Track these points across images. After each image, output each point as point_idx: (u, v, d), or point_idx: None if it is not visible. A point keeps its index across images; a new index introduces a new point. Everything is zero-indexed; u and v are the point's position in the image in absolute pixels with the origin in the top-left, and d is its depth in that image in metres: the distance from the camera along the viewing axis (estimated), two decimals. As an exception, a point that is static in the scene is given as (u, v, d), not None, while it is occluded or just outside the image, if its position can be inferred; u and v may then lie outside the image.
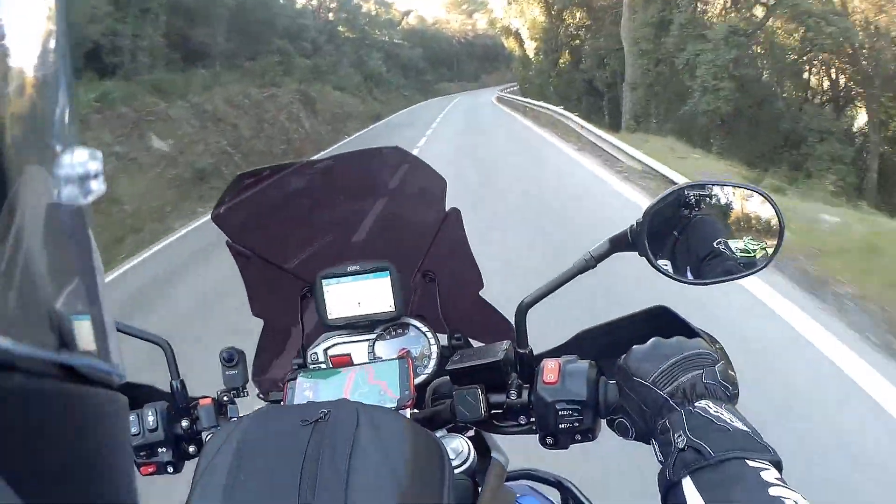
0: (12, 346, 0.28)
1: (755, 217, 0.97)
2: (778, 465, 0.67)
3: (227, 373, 1.11)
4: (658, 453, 0.75)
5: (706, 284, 0.97)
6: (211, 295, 6.05)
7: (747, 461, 0.66)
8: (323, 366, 1.14)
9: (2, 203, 0.29)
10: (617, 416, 0.86)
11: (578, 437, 0.90)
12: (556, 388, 0.88)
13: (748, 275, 0.95)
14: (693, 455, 0.68)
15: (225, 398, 1.09)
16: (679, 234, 0.97)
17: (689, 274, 0.97)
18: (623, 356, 0.86)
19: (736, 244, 0.96)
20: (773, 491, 0.62)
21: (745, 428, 0.70)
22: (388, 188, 1.28)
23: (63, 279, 0.35)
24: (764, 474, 0.64)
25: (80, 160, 0.36)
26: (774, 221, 0.95)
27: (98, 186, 0.37)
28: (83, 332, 0.36)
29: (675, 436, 0.71)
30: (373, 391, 1.00)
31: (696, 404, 0.74)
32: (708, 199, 0.97)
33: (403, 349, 1.14)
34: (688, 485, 0.67)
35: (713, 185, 0.98)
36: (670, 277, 0.95)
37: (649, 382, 0.79)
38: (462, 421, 0.95)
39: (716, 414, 0.72)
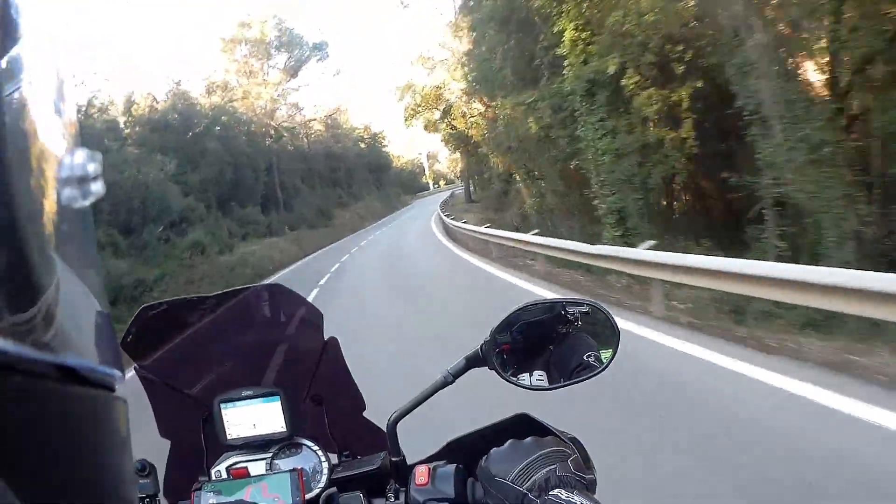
0: (12, 348, 0.29)
1: (601, 327, 1.08)
2: None
3: (140, 482, 1.20)
4: None
5: (558, 388, 1.05)
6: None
7: None
8: (225, 479, 1.22)
9: (3, 204, 0.30)
10: None
11: None
12: (427, 489, 0.99)
13: (595, 374, 1.05)
14: None
15: None
16: (554, 347, 1.07)
17: (561, 382, 1.06)
18: (484, 458, 0.96)
19: (603, 353, 1.06)
20: None
21: None
22: (273, 320, 1.40)
23: (64, 281, 0.35)
24: None
25: (80, 162, 0.37)
26: (610, 327, 1.06)
27: (98, 188, 0.37)
28: (83, 334, 0.37)
29: None
30: (268, 502, 1.14)
31: (550, 494, 0.83)
32: (576, 316, 1.07)
33: (299, 467, 1.21)
34: None
35: (563, 302, 1.08)
36: (525, 388, 1.06)
37: (509, 481, 0.88)
38: None
39: (567, 499, 0.81)
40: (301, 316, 1.38)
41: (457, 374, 1.06)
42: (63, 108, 0.37)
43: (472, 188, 53.95)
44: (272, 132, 45.09)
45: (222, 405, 1.24)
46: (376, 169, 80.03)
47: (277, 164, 42.98)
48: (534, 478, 0.86)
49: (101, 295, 0.40)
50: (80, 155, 0.37)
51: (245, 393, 1.24)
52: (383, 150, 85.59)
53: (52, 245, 0.34)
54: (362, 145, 78.73)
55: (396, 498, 1.06)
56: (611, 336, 1.06)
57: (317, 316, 1.33)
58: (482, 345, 1.05)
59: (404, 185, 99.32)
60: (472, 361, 1.06)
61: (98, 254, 0.42)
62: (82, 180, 0.36)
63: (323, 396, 1.34)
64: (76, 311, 0.36)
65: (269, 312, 1.39)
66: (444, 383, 1.06)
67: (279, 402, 1.23)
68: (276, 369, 1.35)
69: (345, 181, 63.82)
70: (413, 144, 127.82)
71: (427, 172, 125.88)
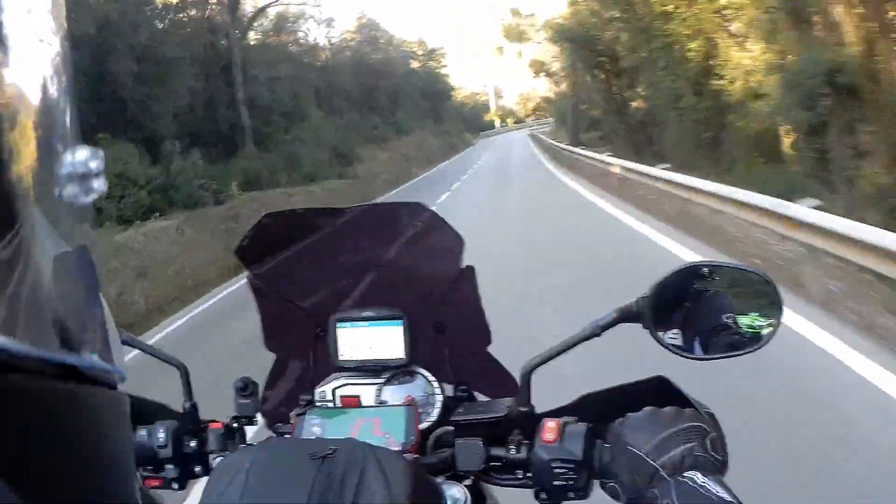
0: (12, 346, 0.28)
1: (758, 295, 1.02)
2: None
3: (239, 401, 1.17)
4: None
5: (710, 360, 1.00)
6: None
7: None
8: (331, 405, 1.15)
9: (2, 202, 0.29)
10: (609, 480, 0.90)
11: (571, 494, 0.93)
12: (554, 446, 0.93)
13: (752, 350, 0.98)
14: None
15: (235, 425, 1.15)
16: (691, 305, 1.02)
17: (696, 345, 1.00)
18: (619, 422, 0.90)
19: (743, 320, 1.00)
20: None
21: (730, 499, 0.75)
22: (408, 241, 1.29)
23: (63, 278, 0.34)
24: None
25: (81, 159, 0.36)
26: (774, 300, 1.00)
27: (99, 185, 0.37)
28: (84, 331, 0.36)
29: (663, 501, 0.77)
30: (379, 441, 1.02)
31: (684, 475, 0.79)
32: (718, 275, 1.03)
33: (410, 396, 1.16)
34: None
35: (721, 265, 1.05)
36: (673, 352, 0.99)
37: (642, 453, 0.83)
38: (462, 470, 1.01)
39: (703, 484, 0.76)
40: (440, 239, 1.27)
41: (605, 327, 0.99)
42: (65, 102, 0.37)
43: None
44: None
45: (339, 324, 1.17)
46: (432, 97, 61.09)
47: (243, 67, 24.63)
48: (670, 454, 0.82)
49: (101, 292, 0.40)
50: (82, 152, 0.37)
51: (365, 313, 1.17)
52: (442, 73, 66.06)
53: (53, 242, 0.34)
54: (414, 64, 59.79)
55: (518, 451, 0.99)
56: (768, 304, 1.00)
57: (457, 242, 1.20)
58: (638, 299, 0.98)
59: (466, 122, 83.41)
60: (625, 316, 0.99)
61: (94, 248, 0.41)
62: (84, 177, 0.37)
63: (447, 325, 1.24)
64: (76, 307, 0.36)
65: (405, 232, 1.29)
66: (592, 334, 0.99)
67: (401, 327, 1.15)
68: (401, 292, 1.25)
69: (387, 107, 45.10)
70: (474, 76, 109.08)
71: (493, 108, 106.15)
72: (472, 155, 43.35)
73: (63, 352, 0.33)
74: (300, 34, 37.82)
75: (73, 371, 0.33)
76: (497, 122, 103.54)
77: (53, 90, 0.36)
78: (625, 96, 26.39)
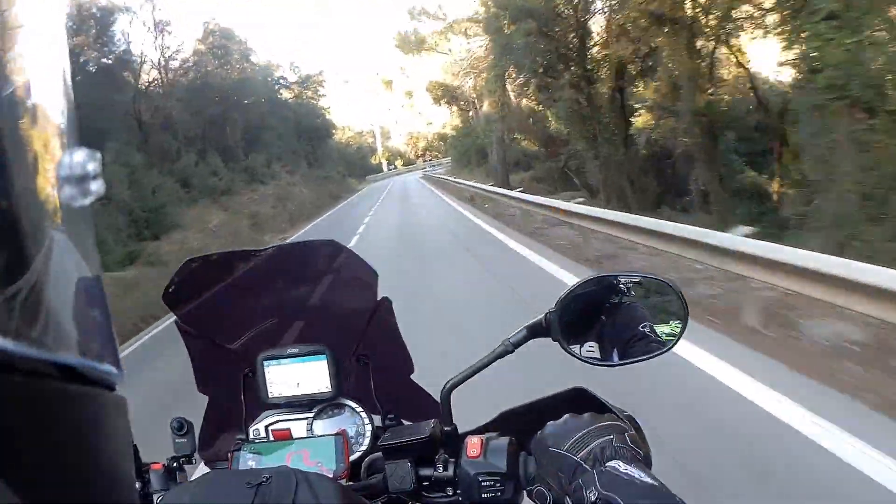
0: (12, 347, 0.28)
1: (663, 301, 1.06)
2: None
3: (176, 441, 1.19)
4: None
5: (621, 365, 1.03)
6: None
7: None
8: (264, 440, 1.19)
9: (2, 204, 0.29)
10: (535, 486, 0.91)
11: None
12: (478, 461, 0.95)
13: (662, 352, 1.02)
14: None
15: (174, 465, 1.16)
16: (607, 317, 1.05)
17: (615, 355, 1.03)
18: (540, 431, 0.91)
19: (662, 328, 1.04)
20: None
21: (653, 482, 0.75)
22: (324, 277, 1.33)
23: (63, 280, 0.34)
24: None
25: (79, 161, 0.36)
26: (678, 305, 1.04)
27: (98, 187, 0.36)
28: (83, 332, 0.36)
29: (588, 492, 0.77)
30: (310, 469, 1.02)
31: (606, 465, 0.79)
32: (633, 287, 1.06)
33: (341, 428, 1.19)
34: None
35: (629, 274, 1.07)
36: (586, 362, 1.03)
37: (564, 450, 0.85)
38: (393, 492, 1.03)
39: (625, 472, 0.77)
40: (354, 274, 1.32)
41: (517, 344, 1.04)
42: (64, 106, 0.37)
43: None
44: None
45: (266, 362, 1.21)
46: (309, 134, 49.92)
47: None
48: (589, 447, 0.83)
49: (101, 293, 0.41)
50: (80, 154, 0.37)
51: (290, 350, 1.22)
52: (321, 106, 55.05)
53: (52, 244, 0.34)
54: (286, 94, 48.67)
55: (445, 469, 1.02)
56: (676, 310, 1.04)
57: (371, 275, 1.25)
58: (546, 314, 1.02)
59: (350, 164, 74.69)
60: (535, 331, 1.03)
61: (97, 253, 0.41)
62: (82, 179, 0.36)
63: (369, 357, 1.29)
64: (76, 309, 0.36)
65: (321, 269, 1.34)
66: (504, 352, 1.03)
67: (325, 361, 1.21)
68: (323, 327, 1.32)
69: (240, 146, 33.40)
70: (358, 114, 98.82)
71: (379, 150, 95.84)
72: (357, 209, 32.41)
73: (62, 353, 0.33)
74: (117, 37, 26.23)
75: (73, 372, 0.33)
76: (384, 165, 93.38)
77: (53, 92, 0.36)
78: (623, 109, 16.34)
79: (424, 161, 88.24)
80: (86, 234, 0.39)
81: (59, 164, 0.35)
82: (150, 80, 29.63)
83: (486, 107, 27.32)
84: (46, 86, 0.35)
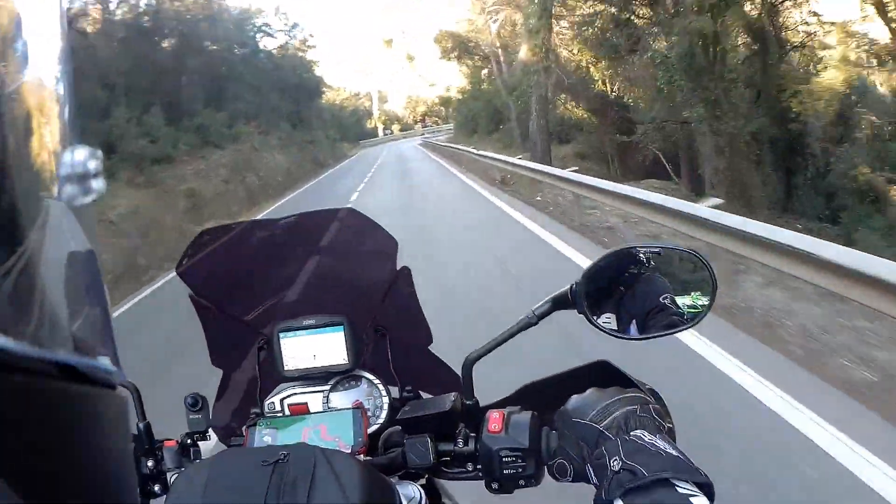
0: (12, 346, 0.28)
1: (692, 274, 1.03)
2: (709, 487, 0.71)
3: (190, 417, 1.16)
4: (593, 478, 0.80)
5: (647, 339, 1.01)
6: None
7: (678, 482, 0.71)
8: (280, 414, 1.17)
9: (2, 202, 0.29)
10: (556, 459, 0.89)
11: (522, 482, 0.94)
12: (500, 436, 0.93)
13: (688, 327, 1.00)
14: (627, 476, 0.73)
15: (188, 441, 1.14)
16: (626, 289, 1.03)
17: (632, 327, 1.02)
18: (563, 406, 0.90)
19: (683, 299, 1.01)
20: (695, 500, 0.67)
21: (677, 454, 0.75)
22: (343, 247, 1.32)
23: (64, 279, 0.34)
24: (694, 500, 0.68)
25: (80, 159, 0.36)
26: (706, 277, 1.00)
27: (99, 185, 0.37)
28: (84, 331, 0.36)
29: (611, 461, 0.76)
30: (328, 445, 1.04)
31: (630, 434, 0.79)
32: (652, 257, 1.03)
33: (357, 400, 1.18)
34: None
35: (651, 246, 1.06)
36: (611, 335, 1.01)
37: (587, 420, 0.84)
38: (413, 467, 1.01)
39: (650, 441, 0.76)
40: (373, 243, 1.29)
41: (542, 316, 1.01)
42: (65, 103, 0.37)
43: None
44: None
45: (281, 334, 1.20)
46: (293, 92, 42.82)
47: None
48: (613, 415, 0.83)
49: (101, 291, 0.40)
50: (81, 152, 0.37)
51: (306, 322, 1.19)
52: (309, 60, 47.90)
53: (53, 242, 0.34)
54: (269, 43, 41.67)
55: (466, 444, 1.01)
56: (700, 281, 1.02)
57: (391, 244, 1.23)
58: (572, 285, 0.99)
59: (344, 128, 67.12)
60: (559, 303, 1.00)
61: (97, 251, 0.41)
62: (83, 177, 0.37)
63: (387, 328, 1.27)
64: (76, 307, 0.36)
65: (339, 238, 1.31)
66: (528, 324, 1.01)
67: (342, 333, 1.19)
68: (340, 297, 1.28)
69: (198, 99, 26.50)
70: (353, 76, 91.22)
71: (375, 114, 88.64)
72: (343, 181, 25.57)
73: (62, 352, 0.33)
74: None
75: (72, 371, 0.33)
76: (380, 129, 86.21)
77: (53, 91, 0.35)
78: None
79: (423, 126, 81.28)
80: (85, 232, 0.38)
81: (58, 162, 0.34)
82: (79, 12, 22.71)
83: (523, 54, 20.31)
84: (46, 81, 0.35)
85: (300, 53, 45.94)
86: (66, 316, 0.34)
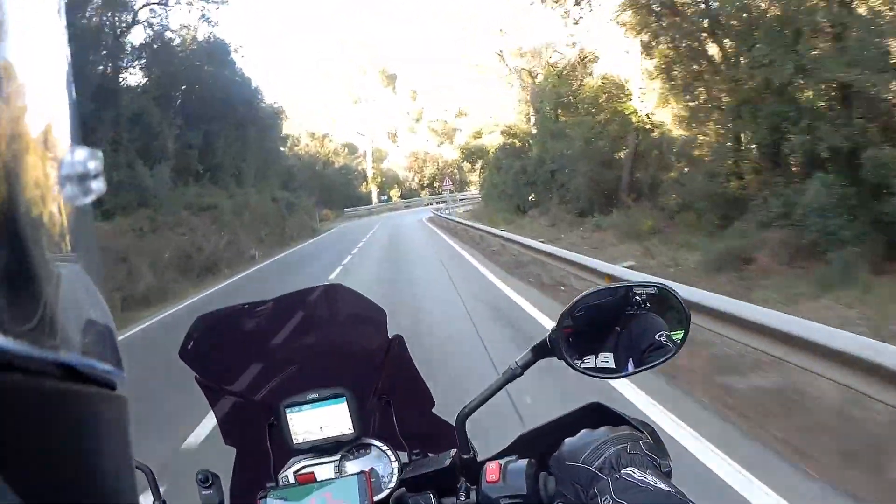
0: (12, 346, 0.28)
1: (665, 307, 1.06)
2: None
3: (203, 493, 1.19)
4: None
5: (633, 374, 1.06)
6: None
7: None
8: (292, 485, 1.19)
9: (3, 202, 0.29)
10: (555, 502, 0.92)
11: None
12: (498, 485, 0.97)
13: (670, 357, 1.04)
14: None
15: None
16: (622, 328, 1.06)
17: (630, 365, 1.04)
18: (557, 450, 0.93)
19: (676, 335, 1.05)
20: None
21: (668, 489, 0.76)
22: (335, 321, 1.39)
23: (64, 278, 0.34)
24: None
25: (80, 159, 0.36)
26: (679, 308, 1.06)
27: (98, 186, 0.37)
28: (84, 331, 0.36)
29: (602, 499, 0.78)
30: None
31: (621, 472, 0.80)
32: (644, 298, 1.05)
33: (368, 468, 1.20)
34: None
35: (619, 287, 1.07)
36: (595, 377, 1.04)
37: (580, 463, 0.86)
38: None
39: (640, 478, 0.78)
40: (363, 314, 1.36)
41: (525, 366, 1.06)
42: (65, 103, 0.37)
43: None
44: None
45: (287, 410, 1.23)
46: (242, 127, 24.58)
47: None
48: (604, 456, 0.85)
49: (102, 291, 0.40)
50: (81, 153, 0.37)
51: (310, 396, 1.23)
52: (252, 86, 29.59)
53: (53, 242, 0.34)
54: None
55: (467, 497, 1.05)
56: (679, 318, 1.06)
57: (379, 313, 1.31)
58: (549, 334, 1.04)
59: (327, 190, 55.05)
60: (540, 351, 1.05)
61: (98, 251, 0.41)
62: (83, 178, 0.36)
63: (390, 395, 1.31)
64: (77, 308, 0.36)
65: (330, 313, 1.40)
66: (513, 376, 1.06)
67: (345, 404, 1.22)
68: (340, 370, 1.31)
69: None
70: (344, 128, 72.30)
71: (370, 175, 69.85)
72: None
73: (63, 352, 0.32)
74: None
75: (74, 372, 0.33)
76: (375, 194, 67.46)
77: (53, 91, 0.36)
78: None
79: (433, 194, 62.80)
80: (85, 232, 0.38)
81: (59, 162, 0.35)
82: None
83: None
84: (45, 81, 0.35)
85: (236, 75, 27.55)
86: (66, 315, 0.33)
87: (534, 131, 27.45)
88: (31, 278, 0.31)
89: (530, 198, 26.07)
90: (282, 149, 39.43)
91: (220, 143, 25.07)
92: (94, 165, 0.36)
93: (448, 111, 67.59)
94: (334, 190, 57.50)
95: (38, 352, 0.30)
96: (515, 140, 28.71)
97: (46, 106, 0.34)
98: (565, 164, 22.99)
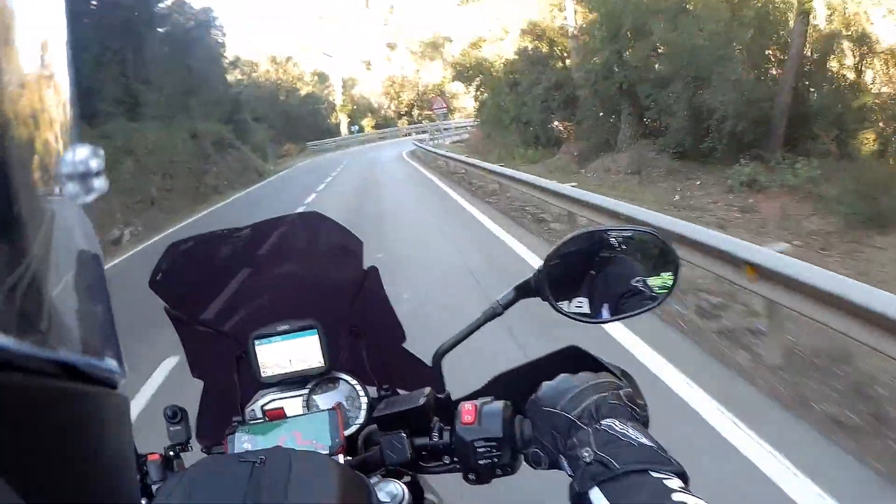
0: (13, 345, 0.28)
1: (653, 254, 1.03)
2: (683, 477, 0.69)
3: (171, 429, 1.15)
4: (567, 468, 0.80)
5: (617, 320, 1.03)
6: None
7: (651, 472, 0.70)
8: (259, 420, 1.16)
9: (4, 202, 0.29)
10: (531, 448, 0.90)
11: (499, 471, 0.94)
12: (473, 427, 0.94)
13: (655, 306, 1.01)
14: (599, 468, 0.72)
15: (171, 453, 1.14)
16: (597, 272, 1.03)
17: (605, 310, 1.02)
18: (534, 393, 0.91)
19: (654, 281, 1.01)
20: (675, 497, 0.65)
21: (650, 443, 0.75)
22: (310, 250, 1.33)
23: (66, 278, 0.34)
24: (667, 482, 0.67)
25: (82, 158, 0.36)
26: (669, 257, 1.02)
27: (100, 184, 0.37)
28: (85, 331, 0.36)
29: (583, 451, 0.76)
30: (306, 448, 1.05)
31: (601, 422, 0.79)
32: (613, 240, 1.03)
33: (336, 403, 1.18)
34: (595, 494, 0.71)
35: (618, 229, 1.05)
36: (577, 320, 1.01)
37: (558, 409, 0.84)
38: (390, 464, 1.02)
39: (621, 430, 0.76)
40: (339, 244, 1.30)
41: (506, 305, 1.04)
42: (66, 102, 0.37)
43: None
44: None
45: (256, 342, 1.20)
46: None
47: None
48: (584, 404, 0.83)
49: (104, 290, 0.40)
50: (83, 151, 0.37)
51: (280, 328, 1.20)
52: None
53: (54, 242, 0.34)
54: None
55: (441, 437, 1.02)
56: (665, 262, 1.03)
57: (356, 244, 1.26)
58: (534, 274, 1.01)
59: (291, 120, 48.86)
60: (523, 291, 1.03)
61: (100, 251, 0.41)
62: (84, 176, 0.36)
63: (361, 328, 1.29)
64: (78, 307, 0.36)
65: (306, 242, 1.35)
66: (493, 314, 1.04)
67: (316, 336, 1.19)
68: (312, 301, 1.28)
69: None
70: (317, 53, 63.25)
71: (339, 103, 61.51)
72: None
73: (64, 351, 0.32)
74: None
75: (75, 371, 0.33)
76: (346, 126, 59.29)
77: (54, 90, 0.35)
78: None
79: (411, 123, 55.01)
80: (87, 231, 0.38)
81: (60, 161, 0.34)
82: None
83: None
84: (47, 80, 0.34)
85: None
86: (67, 315, 0.33)
87: (577, 24, 19.27)
88: (31, 277, 0.30)
89: (621, 128, 17.49)
90: (227, 75, 31.62)
91: (108, 61, 17.41)
92: (95, 163, 0.36)
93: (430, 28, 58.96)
94: (300, 121, 49.80)
95: (40, 351, 0.30)
96: (541, 44, 21.03)
97: (45, 103, 0.34)
98: (675, 69, 14.68)
